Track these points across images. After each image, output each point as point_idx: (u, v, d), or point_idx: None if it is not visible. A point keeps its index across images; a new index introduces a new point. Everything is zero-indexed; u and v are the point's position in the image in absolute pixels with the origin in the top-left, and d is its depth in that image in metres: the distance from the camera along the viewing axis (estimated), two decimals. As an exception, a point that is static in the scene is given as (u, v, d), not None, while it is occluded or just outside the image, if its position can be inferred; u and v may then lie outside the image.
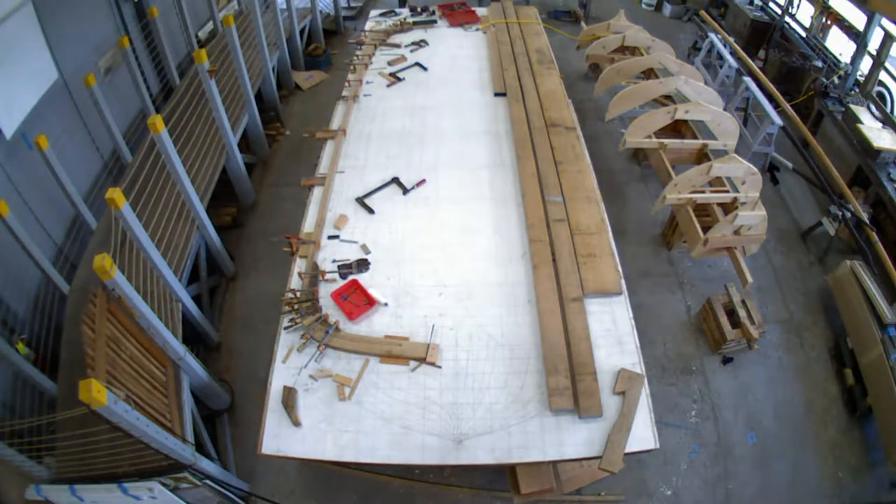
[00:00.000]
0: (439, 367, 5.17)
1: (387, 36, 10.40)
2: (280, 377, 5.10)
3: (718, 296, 7.25)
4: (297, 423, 4.82)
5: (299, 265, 6.07)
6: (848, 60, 10.23)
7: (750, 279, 6.74)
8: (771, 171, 9.66)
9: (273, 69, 10.70)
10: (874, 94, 9.73)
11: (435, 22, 10.87)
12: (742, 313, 6.89)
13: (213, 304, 7.64)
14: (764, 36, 12.71)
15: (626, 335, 5.41)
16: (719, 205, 7.34)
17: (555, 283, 5.75)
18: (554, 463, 5.47)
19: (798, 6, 12.33)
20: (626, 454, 4.71)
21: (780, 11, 12.54)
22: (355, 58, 9.84)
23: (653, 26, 11.94)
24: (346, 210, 6.71)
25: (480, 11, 11.35)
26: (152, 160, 7.20)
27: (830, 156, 9.14)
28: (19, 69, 6.82)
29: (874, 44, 9.72)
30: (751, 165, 7.13)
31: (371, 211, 6.69)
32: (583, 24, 13.96)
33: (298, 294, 5.72)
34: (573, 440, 4.72)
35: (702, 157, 8.00)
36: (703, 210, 7.39)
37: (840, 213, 7.99)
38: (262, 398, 4.99)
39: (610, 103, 8.45)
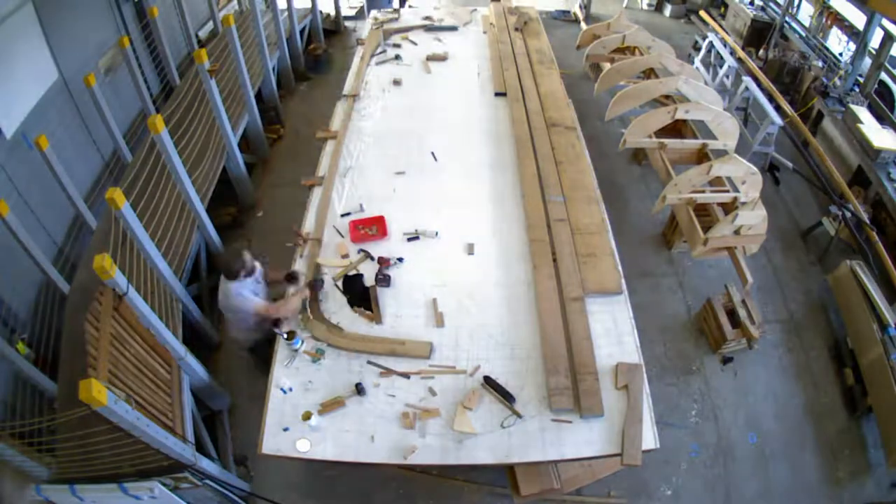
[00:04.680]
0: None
1: (388, 35, 10.40)
2: (280, 377, 5.10)
3: (718, 296, 7.24)
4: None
5: (299, 264, 6.08)
6: (848, 60, 10.23)
7: (750, 279, 6.73)
8: (772, 171, 9.66)
9: (273, 69, 10.70)
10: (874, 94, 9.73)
11: (456, 29, 10.89)
12: (742, 313, 6.87)
13: (213, 303, 7.63)
14: (764, 36, 12.72)
15: (627, 335, 5.41)
16: (719, 204, 7.34)
17: (555, 282, 5.74)
18: (554, 463, 5.47)
19: (798, 6, 12.36)
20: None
21: (780, 11, 12.55)
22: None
23: (653, 26, 11.98)
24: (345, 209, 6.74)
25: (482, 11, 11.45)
26: (153, 160, 7.20)
27: (830, 156, 9.15)
28: (19, 69, 6.83)
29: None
30: (751, 165, 7.12)
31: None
32: (582, 24, 13.96)
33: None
34: (573, 440, 4.71)
35: (702, 156, 7.99)
36: (703, 210, 7.39)
37: (840, 213, 7.99)
38: (262, 398, 4.99)
39: (610, 103, 8.44)
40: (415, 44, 10.30)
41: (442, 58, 9.77)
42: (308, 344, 5.36)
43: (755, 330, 6.74)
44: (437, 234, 6.38)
